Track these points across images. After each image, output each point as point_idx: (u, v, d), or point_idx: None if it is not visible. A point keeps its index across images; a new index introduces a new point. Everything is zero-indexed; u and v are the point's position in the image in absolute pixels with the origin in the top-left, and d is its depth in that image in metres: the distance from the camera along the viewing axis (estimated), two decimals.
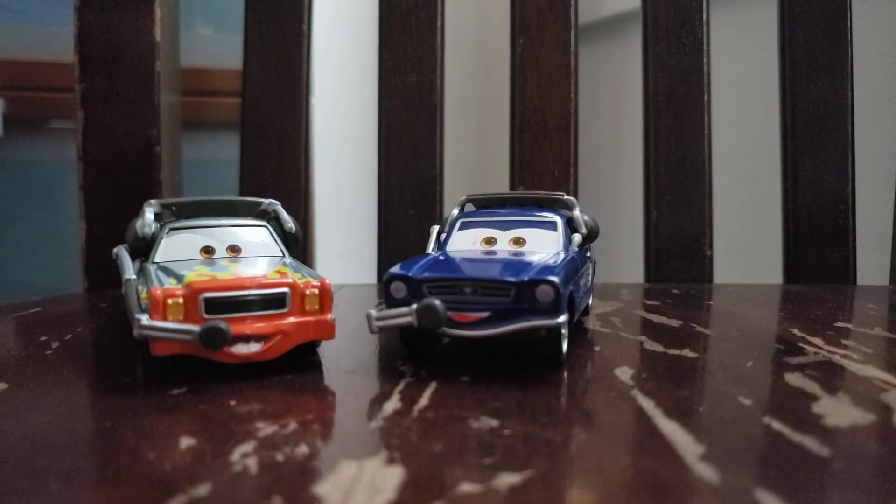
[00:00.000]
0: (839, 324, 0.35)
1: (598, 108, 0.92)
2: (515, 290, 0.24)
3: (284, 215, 0.34)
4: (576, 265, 0.29)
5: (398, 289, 0.26)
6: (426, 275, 0.26)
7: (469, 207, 0.36)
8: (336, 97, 1.03)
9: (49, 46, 0.93)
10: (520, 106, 0.55)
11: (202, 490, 0.15)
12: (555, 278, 0.24)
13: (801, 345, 0.30)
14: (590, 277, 0.35)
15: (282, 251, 0.31)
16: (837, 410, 0.20)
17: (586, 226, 0.33)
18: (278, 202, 0.34)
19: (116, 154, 0.50)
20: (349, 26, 1.02)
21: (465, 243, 0.32)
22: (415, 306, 0.25)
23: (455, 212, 0.34)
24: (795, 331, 0.33)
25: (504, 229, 0.32)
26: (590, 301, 0.36)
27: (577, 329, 0.33)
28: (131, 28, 0.50)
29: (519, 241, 0.31)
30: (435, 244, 0.33)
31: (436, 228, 0.34)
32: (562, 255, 0.29)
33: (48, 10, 0.96)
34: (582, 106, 0.55)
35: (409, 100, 0.55)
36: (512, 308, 0.25)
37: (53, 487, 0.16)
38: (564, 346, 0.26)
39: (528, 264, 0.27)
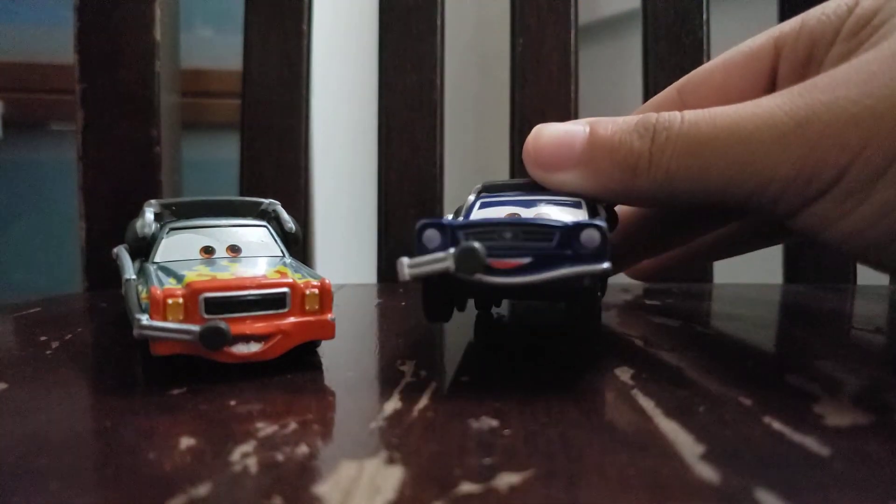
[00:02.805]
0: (839, 324, 0.35)
1: (599, 108, 0.92)
2: (560, 234, 0.23)
3: (284, 215, 0.34)
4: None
5: (431, 238, 0.24)
6: (462, 220, 0.24)
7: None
8: (336, 97, 1.03)
9: (48, 48, 0.93)
10: (520, 106, 0.55)
11: (202, 490, 0.15)
12: (601, 222, 0.23)
13: (800, 344, 0.30)
14: None
15: (282, 251, 0.31)
16: (837, 410, 0.20)
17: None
18: (278, 202, 0.34)
19: (116, 154, 0.50)
20: (349, 26, 1.02)
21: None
22: (452, 250, 0.23)
23: (471, 197, 0.31)
24: (796, 330, 0.33)
25: (528, 206, 0.29)
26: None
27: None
28: (131, 28, 0.50)
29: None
30: None
31: (448, 216, 0.31)
32: None
33: (48, 11, 0.96)
34: (582, 106, 0.55)
35: (409, 99, 0.55)
36: (555, 254, 0.23)
37: (53, 487, 0.16)
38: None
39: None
